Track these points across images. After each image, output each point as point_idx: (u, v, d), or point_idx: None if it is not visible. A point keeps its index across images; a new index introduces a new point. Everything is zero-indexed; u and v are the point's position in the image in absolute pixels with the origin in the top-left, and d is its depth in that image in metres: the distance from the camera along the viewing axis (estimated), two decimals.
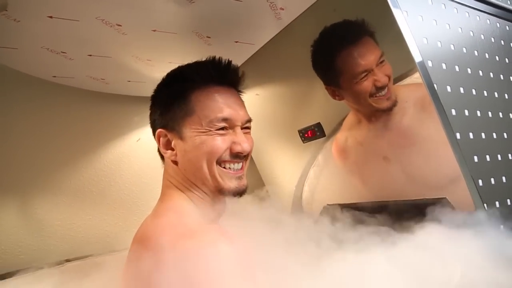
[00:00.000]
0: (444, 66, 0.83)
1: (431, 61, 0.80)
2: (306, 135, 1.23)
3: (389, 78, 0.94)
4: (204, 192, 0.76)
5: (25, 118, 1.29)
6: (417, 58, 0.78)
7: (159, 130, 0.77)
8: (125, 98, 1.50)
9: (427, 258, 0.67)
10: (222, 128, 0.74)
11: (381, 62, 0.93)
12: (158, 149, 0.82)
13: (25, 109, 1.29)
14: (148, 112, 1.56)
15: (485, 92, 0.90)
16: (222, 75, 0.77)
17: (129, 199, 1.46)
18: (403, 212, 0.93)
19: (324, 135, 1.19)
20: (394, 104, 0.97)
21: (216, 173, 0.74)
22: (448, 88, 0.81)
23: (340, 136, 1.18)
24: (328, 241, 0.86)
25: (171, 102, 0.76)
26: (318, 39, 1.01)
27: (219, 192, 0.76)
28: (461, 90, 0.84)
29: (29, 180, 1.30)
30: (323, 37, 0.99)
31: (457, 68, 0.85)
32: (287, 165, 1.52)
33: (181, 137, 0.75)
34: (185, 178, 0.76)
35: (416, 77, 1.05)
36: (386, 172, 1.07)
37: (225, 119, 0.74)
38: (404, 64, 1.01)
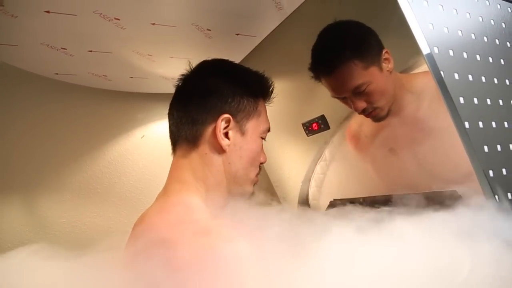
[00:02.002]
0: (451, 52, 0.79)
1: (438, 47, 0.77)
2: (310, 128, 1.21)
3: (374, 97, 0.93)
4: (223, 195, 0.75)
5: (28, 116, 1.30)
6: (423, 44, 0.75)
7: (226, 115, 0.73)
8: (128, 95, 1.49)
9: (435, 251, 0.65)
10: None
11: (362, 88, 0.92)
12: (195, 134, 0.74)
13: (28, 107, 1.30)
14: (152, 109, 1.58)
15: (495, 79, 0.86)
16: (270, 95, 0.83)
17: (133, 196, 1.46)
18: (411, 205, 0.90)
19: (329, 128, 1.16)
20: (386, 115, 0.97)
21: (253, 177, 0.79)
22: (456, 76, 0.78)
23: (354, 122, 1.16)
24: (334, 235, 0.84)
25: (246, 98, 0.77)
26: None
27: (241, 194, 0.78)
28: (470, 77, 0.81)
29: (33, 178, 1.31)
30: (311, 56, 1.00)
31: (465, 55, 0.82)
32: (293, 160, 1.50)
33: (242, 132, 0.75)
34: (218, 172, 0.74)
35: (426, 67, 1.03)
36: (396, 164, 1.04)
37: (268, 131, 0.82)
38: (412, 53, 0.98)
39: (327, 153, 1.40)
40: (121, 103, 1.49)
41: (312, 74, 0.99)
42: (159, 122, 1.57)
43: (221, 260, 0.57)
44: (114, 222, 1.39)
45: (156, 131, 1.56)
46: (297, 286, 0.57)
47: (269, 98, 0.83)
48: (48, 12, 0.86)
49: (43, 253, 0.73)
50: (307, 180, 1.49)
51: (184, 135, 0.75)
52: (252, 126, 0.77)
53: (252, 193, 0.80)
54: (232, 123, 0.74)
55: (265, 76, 0.82)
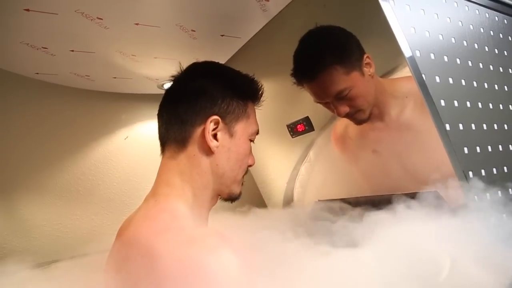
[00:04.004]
0: (432, 56, 0.81)
1: (419, 51, 0.78)
2: (294, 129, 1.22)
3: (356, 102, 0.95)
4: (210, 196, 0.76)
5: (7, 116, 1.27)
6: (405, 48, 0.76)
7: (215, 116, 0.73)
8: (112, 95, 1.47)
9: (416, 251, 0.66)
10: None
11: (344, 93, 0.93)
12: (184, 135, 0.74)
13: (8, 107, 1.27)
14: (135, 110, 1.56)
15: (474, 82, 0.88)
16: (259, 98, 0.83)
17: (117, 198, 1.44)
18: (393, 205, 0.92)
19: (313, 129, 1.17)
20: (368, 118, 0.98)
21: (241, 179, 0.80)
22: (437, 79, 0.79)
23: (340, 124, 1.17)
24: (317, 236, 0.84)
25: (235, 100, 0.77)
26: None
27: (229, 196, 0.79)
28: (450, 80, 0.82)
29: (13, 179, 1.27)
30: (293, 62, 1.00)
31: (446, 59, 0.84)
32: (278, 162, 1.50)
33: (231, 134, 0.76)
34: (206, 174, 0.74)
35: (407, 71, 1.05)
36: (380, 165, 1.06)
37: (257, 133, 0.82)
38: (394, 56, 0.99)
39: (311, 154, 1.41)
40: (104, 104, 1.47)
41: (294, 80, 0.99)
42: (143, 123, 1.55)
43: (205, 270, 0.56)
44: (97, 224, 1.37)
45: (140, 132, 1.54)
46: None
47: (259, 101, 0.83)
48: (27, 10, 0.84)
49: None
50: (292, 181, 1.50)
51: (173, 136, 0.75)
52: (241, 128, 0.77)
53: (239, 194, 0.81)
54: (221, 125, 0.74)
55: (255, 79, 0.82)
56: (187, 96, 0.75)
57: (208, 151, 0.73)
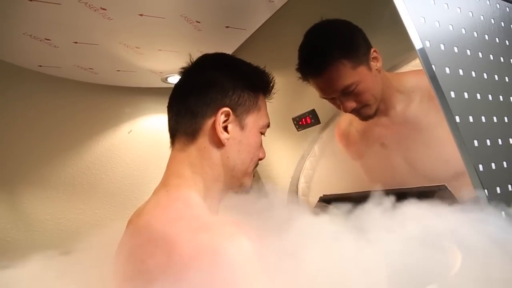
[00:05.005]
0: (442, 47, 0.79)
1: (429, 41, 0.77)
2: (300, 122, 1.20)
3: (363, 97, 0.93)
4: (221, 188, 0.75)
5: (10, 110, 1.26)
6: (415, 38, 0.75)
7: (226, 108, 0.72)
8: (115, 89, 1.46)
9: (426, 246, 0.65)
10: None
11: (351, 88, 0.91)
12: (194, 128, 0.73)
13: (11, 100, 1.26)
14: (139, 103, 1.55)
15: (485, 74, 0.86)
16: (270, 90, 0.82)
17: (120, 192, 1.43)
18: (401, 200, 0.90)
19: (319, 122, 1.16)
20: (374, 114, 0.96)
21: (252, 172, 0.79)
22: (447, 70, 0.77)
23: (343, 120, 1.15)
24: (325, 231, 0.83)
25: (246, 92, 0.76)
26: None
27: (240, 189, 0.78)
28: (460, 72, 0.80)
29: (16, 173, 1.27)
30: (299, 57, 0.97)
31: (456, 50, 0.82)
32: (283, 157, 1.49)
33: (242, 126, 0.75)
34: (217, 166, 0.73)
35: (415, 64, 1.03)
36: (387, 159, 1.04)
37: (267, 126, 0.81)
38: (399, 50, 0.98)
39: (316, 149, 1.40)
40: (107, 97, 1.46)
41: (299, 75, 0.97)
42: (146, 117, 1.54)
43: (222, 257, 0.56)
44: (101, 218, 1.37)
45: (143, 126, 1.53)
46: (299, 283, 0.56)
47: (269, 94, 0.82)
48: (30, 0, 0.83)
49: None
50: (297, 175, 1.49)
51: (183, 128, 0.74)
52: (252, 120, 0.76)
53: (250, 187, 0.80)
54: (231, 117, 0.73)
55: (266, 71, 0.81)
56: (197, 88, 0.74)
57: (219, 144, 0.72)
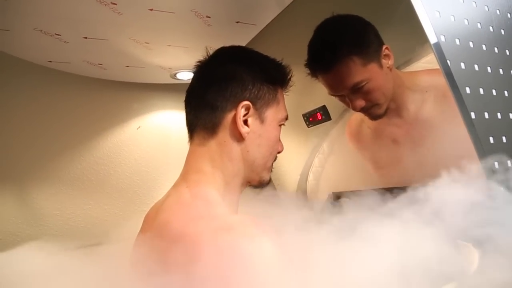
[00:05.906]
0: (457, 41, 0.77)
1: (444, 36, 0.75)
2: (310, 119, 1.19)
3: (373, 95, 0.91)
4: (240, 182, 0.75)
5: (21, 106, 1.27)
6: (430, 32, 0.73)
7: (246, 102, 0.72)
8: (124, 85, 1.46)
9: (441, 244, 0.63)
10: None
11: (360, 86, 0.89)
12: (214, 122, 0.72)
13: (21, 96, 1.27)
14: (148, 99, 1.55)
15: (500, 70, 0.85)
16: (288, 83, 0.81)
17: (129, 188, 1.43)
18: (411, 198, 0.89)
19: (330, 119, 1.14)
20: (384, 113, 0.94)
21: (271, 166, 0.78)
22: (462, 65, 0.76)
23: (354, 119, 1.13)
24: (334, 229, 0.82)
25: (265, 85, 0.75)
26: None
27: (259, 183, 0.78)
28: (476, 67, 0.79)
29: (27, 169, 1.28)
30: (308, 52, 0.96)
31: (471, 44, 0.80)
32: (292, 153, 1.48)
33: (261, 120, 0.74)
34: (237, 160, 0.73)
35: (426, 60, 1.01)
36: (399, 156, 1.02)
37: (286, 119, 0.80)
38: (414, 43, 0.96)
39: (325, 146, 1.39)
40: (116, 93, 1.46)
41: (308, 71, 0.95)
42: (155, 113, 1.54)
43: (244, 258, 0.55)
44: (109, 214, 1.37)
45: (152, 122, 1.53)
46: (321, 284, 0.56)
47: (287, 86, 0.81)
48: None
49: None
50: (305, 172, 1.48)
51: (203, 122, 0.73)
52: (271, 114, 0.75)
53: (269, 180, 0.79)
54: (251, 111, 0.72)
55: (284, 64, 0.80)
56: (216, 81, 0.73)
57: (239, 137, 0.72)
